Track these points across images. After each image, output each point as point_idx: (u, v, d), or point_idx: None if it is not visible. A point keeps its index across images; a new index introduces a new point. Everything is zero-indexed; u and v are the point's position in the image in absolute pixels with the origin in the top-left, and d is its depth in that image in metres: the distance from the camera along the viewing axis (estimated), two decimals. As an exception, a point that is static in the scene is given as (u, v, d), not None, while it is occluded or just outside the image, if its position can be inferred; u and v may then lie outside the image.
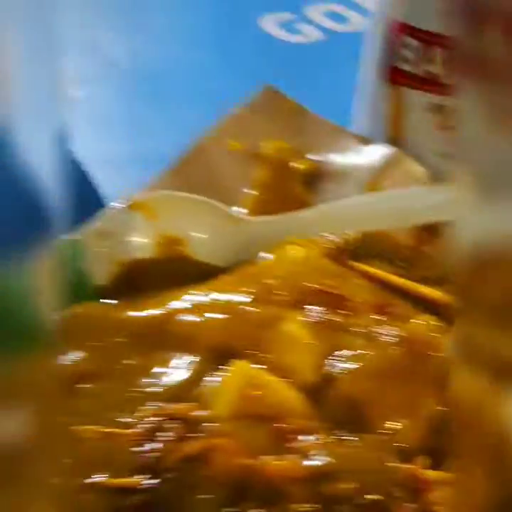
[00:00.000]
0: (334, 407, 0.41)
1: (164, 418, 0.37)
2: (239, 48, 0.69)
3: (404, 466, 0.36)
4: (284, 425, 0.37)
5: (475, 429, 0.29)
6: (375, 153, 0.53)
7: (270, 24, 0.73)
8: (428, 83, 0.51)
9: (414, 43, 0.51)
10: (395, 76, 0.53)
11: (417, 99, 0.52)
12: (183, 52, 0.69)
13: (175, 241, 0.49)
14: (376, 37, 0.54)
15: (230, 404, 0.38)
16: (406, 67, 0.52)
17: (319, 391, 0.41)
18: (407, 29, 0.52)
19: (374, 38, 0.54)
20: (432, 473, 0.37)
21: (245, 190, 0.53)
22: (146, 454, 0.36)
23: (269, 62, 0.68)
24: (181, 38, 0.71)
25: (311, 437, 0.37)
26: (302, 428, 0.38)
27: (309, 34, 0.72)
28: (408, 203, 0.51)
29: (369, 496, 0.35)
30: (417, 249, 0.51)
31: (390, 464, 0.36)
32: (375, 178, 0.53)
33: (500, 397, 0.26)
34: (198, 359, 0.42)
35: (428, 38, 0.51)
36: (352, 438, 0.38)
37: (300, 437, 0.37)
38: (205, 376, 0.41)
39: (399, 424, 0.40)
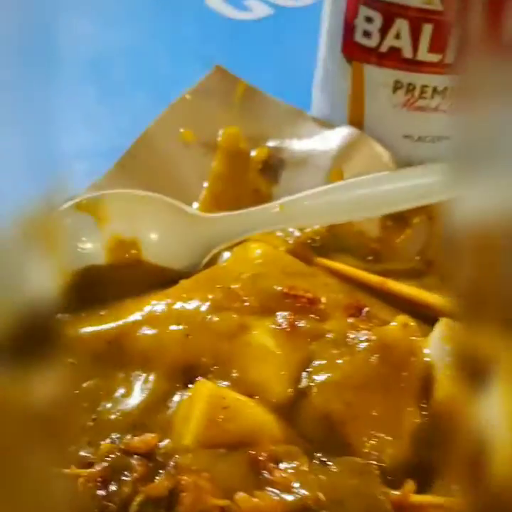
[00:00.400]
0: (310, 425, 0.36)
1: (126, 453, 0.32)
2: (185, 29, 0.64)
3: (391, 493, 0.32)
4: (259, 453, 0.33)
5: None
6: (336, 137, 0.49)
7: (216, 1, 0.67)
8: (390, 59, 0.47)
9: (374, 14, 0.46)
10: (354, 52, 0.48)
11: (379, 76, 0.47)
12: (128, 36, 0.63)
13: (128, 244, 0.44)
14: (333, 10, 0.49)
15: (197, 432, 0.34)
16: (366, 42, 0.47)
17: (293, 408, 0.37)
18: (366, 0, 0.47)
19: (331, 11, 0.49)
20: (421, 498, 0.33)
21: (201, 183, 0.48)
22: (109, 498, 0.31)
23: (217, 41, 0.62)
24: (126, 22, 0.65)
25: (290, 465, 0.33)
26: (279, 455, 0.33)
27: (257, 10, 0.67)
28: (374, 190, 0.46)
29: None
30: (385, 242, 0.47)
31: (376, 491, 0.32)
32: (338, 164, 0.48)
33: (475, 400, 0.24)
34: (159, 378, 0.37)
35: (389, 9, 0.46)
36: (332, 462, 0.34)
37: (277, 465, 0.33)
38: (169, 397, 0.37)
39: (381, 441, 0.36)
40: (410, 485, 0.33)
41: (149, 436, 0.33)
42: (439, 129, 0.48)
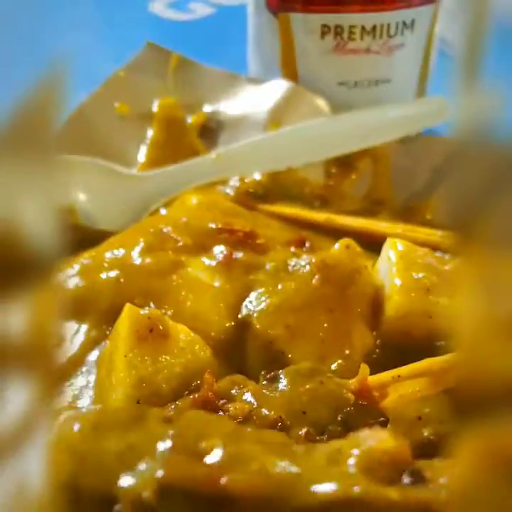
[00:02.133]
0: (255, 358, 0.32)
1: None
2: (131, 33, 0.61)
3: (349, 383, 0.28)
4: (206, 394, 0.28)
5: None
6: (272, 93, 0.45)
7: (160, 7, 0.65)
8: (314, 3, 0.43)
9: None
10: (277, 2, 0.44)
11: (306, 23, 0.44)
12: (73, 41, 0.60)
13: (64, 212, 0.40)
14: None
15: (125, 346, 0.29)
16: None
17: (235, 344, 0.32)
18: None
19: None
20: (378, 377, 0.29)
21: (138, 152, 0.45)
22: None
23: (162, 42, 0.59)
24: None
25: (241, 391, 0.28)
26: (222, 389, 0.29)
27: (199, 11, 0.64)
28: (313, 135, 0.43)
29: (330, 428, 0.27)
30: (331, 188, 0.43)
31: (332, 387, 0.28)
32: (276, 118, 0.45)
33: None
34: (91, 327, 0.33)
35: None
36: (279, 374, 0.29)
37: (226, 400, 0.28)
38: (100, 343, 0.32)
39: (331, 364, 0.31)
40: (364, 369, 0.28)
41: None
42: (374, 72, 0.44)
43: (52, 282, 0.21)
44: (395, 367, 0.33)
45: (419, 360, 0.33)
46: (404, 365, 0.33)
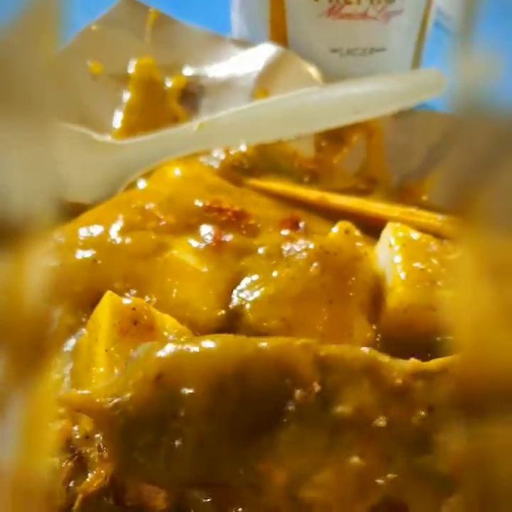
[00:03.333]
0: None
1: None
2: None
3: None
4: None
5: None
6: (259, 57, 0.42)
7: None
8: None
9: None
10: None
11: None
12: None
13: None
14: None
15: (107, 338, 0.26)
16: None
17: (227, 331, 0.29)
18: None
19: None
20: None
21: (112, 117, 0.41)
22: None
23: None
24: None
25: None
26: None
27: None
28: (303, 105, 0.39)
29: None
30: (321, 162, 0.40)
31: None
32: (262, 85, 0.41)
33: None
34: (65, 312, 0.30)
35: None
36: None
37: None
38: (77, 331, 0.29)
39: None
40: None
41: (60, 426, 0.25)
42: (369, 40, 0.41)
43: (34, 253, 0.20)
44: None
45: (420, 356, 0.31)
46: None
